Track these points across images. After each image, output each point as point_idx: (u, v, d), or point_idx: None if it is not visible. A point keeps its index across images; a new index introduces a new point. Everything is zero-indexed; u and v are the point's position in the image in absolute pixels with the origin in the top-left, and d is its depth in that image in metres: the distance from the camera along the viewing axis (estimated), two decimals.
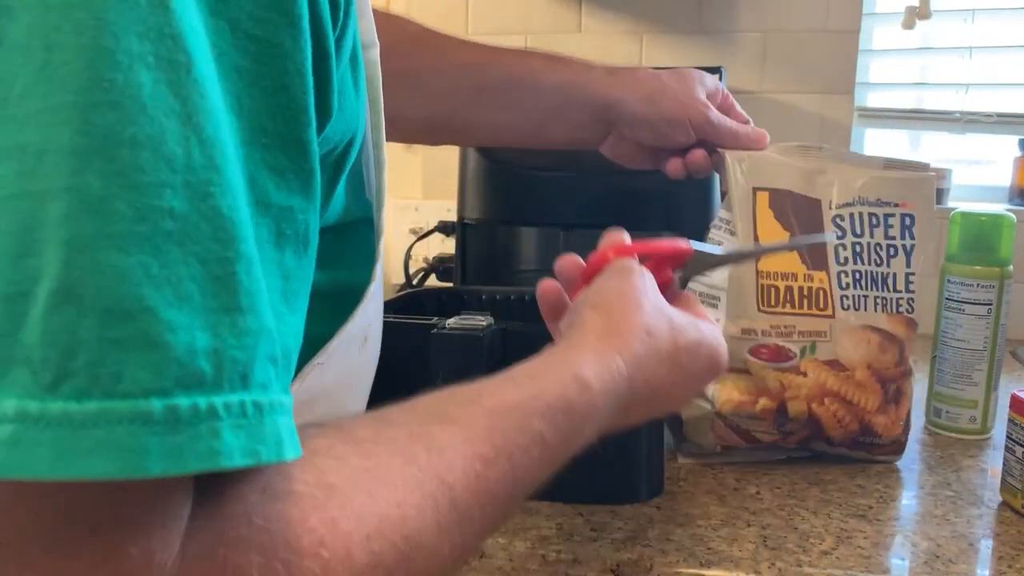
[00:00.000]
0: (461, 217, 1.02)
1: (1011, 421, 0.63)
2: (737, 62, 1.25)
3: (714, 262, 0.54)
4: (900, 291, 0.70)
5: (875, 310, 0.69)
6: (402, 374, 0.46)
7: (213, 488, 0.23)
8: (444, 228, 1.21)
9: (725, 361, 0.48)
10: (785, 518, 0.61)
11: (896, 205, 0.70)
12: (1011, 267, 0.76)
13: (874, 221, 0.70)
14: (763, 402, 0.67)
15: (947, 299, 0.78)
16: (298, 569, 0.24)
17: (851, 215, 0.69)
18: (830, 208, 0.69)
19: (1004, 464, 0.63)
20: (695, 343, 0.46)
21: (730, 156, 0.69)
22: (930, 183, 0.71)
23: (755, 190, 0.69)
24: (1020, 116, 1.22)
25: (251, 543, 0.23)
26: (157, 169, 0.20)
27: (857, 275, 0.69)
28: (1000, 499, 0.64)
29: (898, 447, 0.71)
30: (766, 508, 0.62)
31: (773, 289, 0.67)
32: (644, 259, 0.49)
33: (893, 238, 0.70)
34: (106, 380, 0.19)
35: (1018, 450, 0.62)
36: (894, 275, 0.70)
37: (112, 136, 0.19)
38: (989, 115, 1.23)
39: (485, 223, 0.98)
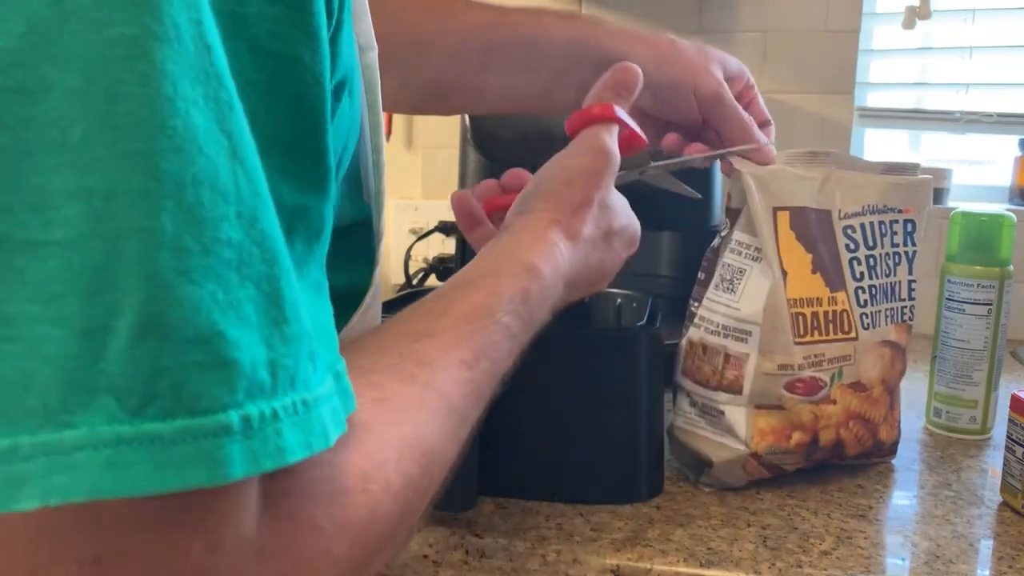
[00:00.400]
0: None
1: (1011, 421, 0.63)
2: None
3: (653, 159, 0.61)
4: (904, 299, 0.69)
5: (886, 323, 0.68)
6: None
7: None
8: (444, 228, 1.21)
9: (638, 237, 0.54)
10: (785, 518, 0.61)
11: (900, 211, 0.68)
12: (1011, 267, 0.76)
13: (883, 230, 0.68)
14: (797, 436, 0.64)
15: (947, 299, 0.78)
16: (352, 507, 0.27)
17: (861, 225, 0.67)
18: (840, 218, 0.66)
19: (1004, 464, 0.63)
20: (623, 228, 0.51)
21: (747, 172, 0.64)
22: (928, 186, 0.70)
23: (775, 210, 0.64)
24: (1020, 116, 1.22)
25: (313, 495, 0.26)
26: (215, 204, 0.22)
27: (873, 290, 0.67)
28: (1000, 499, 0.64)
29: (894, 448, 0.71)
30: (766, 508, 0.62)
31: (801, 317, 0.64)
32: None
33: (897, 245, 0.69)
34: (188, 400, 0.21)
35: (1018, 450, 0.62)
36: (899, 283, 0.69)
37: (178, 178, 0.21)
38: (989, 115, 1.23)
39: None
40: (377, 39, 0.39)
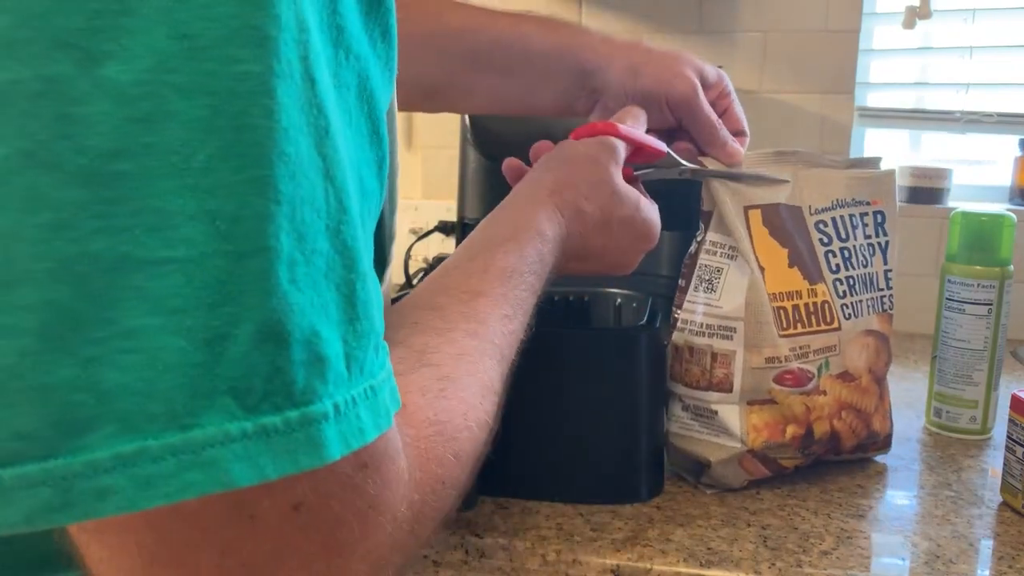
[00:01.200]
0: (461, 217, 1.02)
1: (1011, 421, 0.63)
2: (737, 62, 1.25)
3: (672, 168, 0.64)
4: (883, 289, 0.70)
5: (868, 313, 0.69)
6: None
7: (412, 417, 0.32)
8: (444, 228, 1.21)
9: (656, 236, 0.59)
10: (785, 518, 0.61)
11: (868, 203, 0.69)
12: (1011, 267, 0.76)
13: (854, 222, 0.69)
14: (791, 429, 0.64)
15: (947, 299, 0.78)
16: (462, 441, 0.35)
17: (832, 219, 0.68)
18: (811, 214, 0.67)
19: (1004, 464, 0.63)
20: (629, 217, 0.56)
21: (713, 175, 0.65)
22: (892, 178, 0.71)
23: (747, 209, 0.65)
24: (1020, 116, 1.22)
25: (435, 436, 0.33)
26: (313, 221, 0.24)
27: (851, 281, 0.68)
28: (1000, 499, 0.64)
29: (888, 441, 0.71)
30: (766, 508, 0.62)
31: (783, 310, 0.64)
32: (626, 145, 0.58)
33: (870, 237, 0.70)
34: (296, 394, 0.24)
35: (1018, 450, 0.62)
36: (876, 274, 0.70)
37: (292, 200, 0.23)
38: (989, 115, 1.23)
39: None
40: None
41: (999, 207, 1.16)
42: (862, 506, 0.63)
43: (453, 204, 1.03)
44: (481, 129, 0.97)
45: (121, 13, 0.21)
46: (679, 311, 0.67)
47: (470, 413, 0.36)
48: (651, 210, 0.59)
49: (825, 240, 0.67)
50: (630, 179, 0.60)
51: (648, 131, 0.66)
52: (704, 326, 0.65)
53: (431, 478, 0.32)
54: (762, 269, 0.64)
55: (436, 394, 0.35)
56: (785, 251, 0.65)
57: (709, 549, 0.56)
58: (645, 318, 0.66)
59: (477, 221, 1.01)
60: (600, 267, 0.58)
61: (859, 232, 0.69)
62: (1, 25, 0.20)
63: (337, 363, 0.25)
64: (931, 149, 1.36)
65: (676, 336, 0.66)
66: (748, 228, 0.65)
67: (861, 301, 0.69)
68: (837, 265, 0.68)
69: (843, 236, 0.68)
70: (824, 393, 0.66)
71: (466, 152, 0.99)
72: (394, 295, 0.74)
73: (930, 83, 1.32)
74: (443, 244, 1.28)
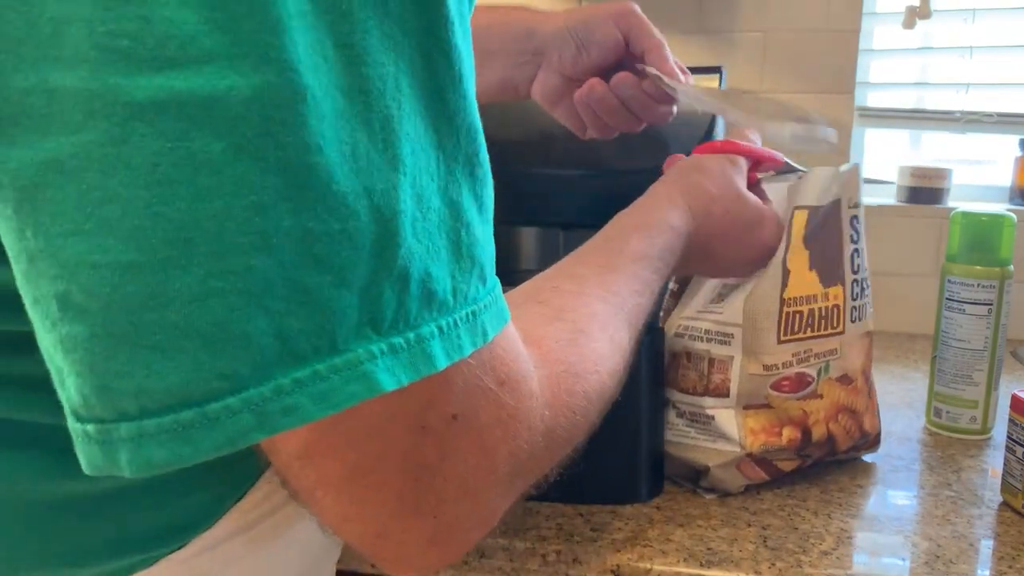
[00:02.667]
0: None
1: (1011, 421, 0.63)
2: (737, 62, 1.25)
3: (791, 173, 0.67)
4: (869, 289, 0.70)
5: (865, 316, 0.69)
6: None
7: (549, 356, 0.39)
8: None
9: (774, 248, 0.63)
10: (785, 518, 0.61)
11: (856, 206, 0.69)
12: (1012, 267, 0.76)
13: (859, 221, 0.69)
14: (788, 432, 0.64)
15: (947, 299, 0.78)
16: (590, 382, 0.41)
17: (852, 217, 0.67)
18: (849, 207, 0.66)
19: (1005, 464, 0.63)
20: (754, 221, 0.61)
21: (770, 177, 0.65)
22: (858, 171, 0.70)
23: (795, 210, 0.64)
24: (1021, 116, 1.22)
25: (566, 371, 0.39)
26: (428, 184, 0.29)
27: (864, 284, 0.68)
28: (1000, 499, 0.64)
29: (877, 439, 0.71)
30: (766, 508, 0.62)
31: (798, 315, 0.64)
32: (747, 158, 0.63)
33: (862, 240, 0.70)
34: (413, 320, 0.29)
35: (1018, 450, 0.62)
36: (869, 275, 0.70)
37: (414, 170, 0.29)
38: (990, 115, 1.22)
39: None
40: None
41: (999, 207, 1.16)
42: (862, 506, 0.63)
43: None
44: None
45: (302, 29, 0.25)
46: (664, 316, 0.67)
47: (600, 361, 0.42)
48: (774, 221, 0.63)
49: (854, 237, 0.67)
50: (754, 185, 0.64)
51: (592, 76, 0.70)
52: (703, 331, 0.65)
53: (562, 404, 0.38)
54: (788, 272, 0.63)
55: (568, 342, 0.41)
56: (807, 253, 0.65)
57: (709, 549, 0.56)
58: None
59: None
60: (720, 269, 0.64)
61: (863, 231, 0.69)
62: (222, 42, 0.24)
63: (444, 295, 0.30)
64: (931, 149, 1.36)
65: (673, 342, 0.66)
66: (790, 230, 0.64)
67: (864, 304, 0.69)
68: (857, 266, 0.67)
69: (859, 235, 0.68)
70: (821, 397, 0.66)
71: None
72: None
73: (930, 83, 1.32)
74: None
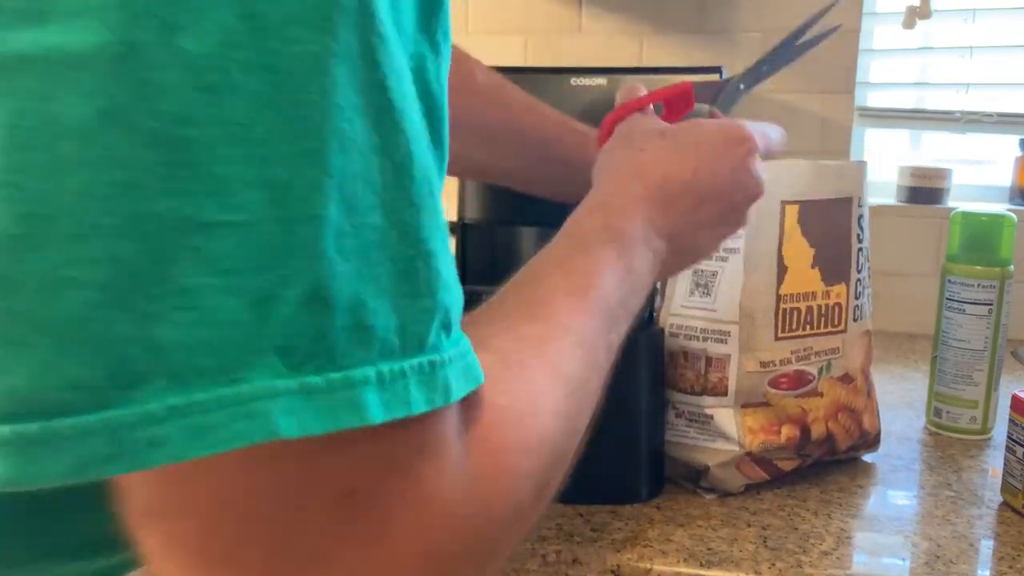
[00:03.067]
0: (461, 217, 1.02)
1: (1012, 421, 0.63)
2: (737, 62, 1.25)
3: (722, 88, 0.60)
4: (869, 287, 0.70)
5: (866, 315, 0.69)
6: None
7: (468, 401, 0.31)
8: None
9: (742, 135, 0.51)
10: (785, 518, 0.61)
11: (862, 205, 0.69)
12: (1012, 267, 0.76)
13: (865, 220, 0.68)
14: (786, 430, 0.63)
15: (948, 299, 0.77)
16: (528, 428, 0.33)
17: (860, 216, 0.67)
18: (859, 205, 0.65)
19: (1005, 464, 0.63)
20: (701, 135, 0.50)
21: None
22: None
23: (784, 204, 0.63)
24: (1021, 116, 1.22)
25: (498, 422, 0.31)
26: (366, 196, 0.25)
27: (865, 282, 0.68)
28: (1000, 499, 0.64)
29: (877, 439, 0.71)
30: (766, 508, 0.62)
31: (795, 312, 0.64)
32: (657, 108, 0.55)
33: (866, 236, 0.69)
34: (337, 357, 0.24)
35: (1019, 450, 0.62)
36: (869, 274, 0.70)
37: (344, 174, 0.24)
38: (990, 115, 1.22)
39: (485, 223, 0.98)
40: None
41: (999, 207, 1.16)
42: (862, 506, 0.63)
43: (453, 204, 1.03)
44: None
45: None
46: (668, 315, 0.67)
47: (539, 397, 0.35)
48: (730, 139, 0.51)
49: (861, 236, 0.66)
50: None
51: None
52: (699, 330, 0.64)
53: (495, 468, 0.31)
54: (784, 269, 0.63)
55: (495, 379, 0.33)
56: (813, 251, 0.64)
57: (709, 549, 0.56)
58: (645, 318, 0.66)
59: (477, 221, 1.02)
60: (718, 197, 0.50)
61: (868, 230, 0.69)
62: None
63: (386, 333, 0.26)
64: (931, 149, 1.36)
65: (670, 342, 0.66)
66: (781, 224, 0.63)
67: (865, 304, 0.69)
68: (861, 264, 0.67)
69: (864, 233, 0.67)
70: (821, 395, 0.65)
71: None
72: None
73: (930, 83, 1.32)
74: None
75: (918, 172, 1.21)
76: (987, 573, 0.54)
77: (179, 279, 0.22)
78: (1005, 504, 0.63)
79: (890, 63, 1.30)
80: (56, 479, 0.22)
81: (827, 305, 0.65)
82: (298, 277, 0.24)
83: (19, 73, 0.21)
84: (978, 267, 0.76)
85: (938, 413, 0.79)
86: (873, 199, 1.24)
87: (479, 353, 0.33)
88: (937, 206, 1.20)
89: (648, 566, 0.54)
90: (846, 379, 0.67)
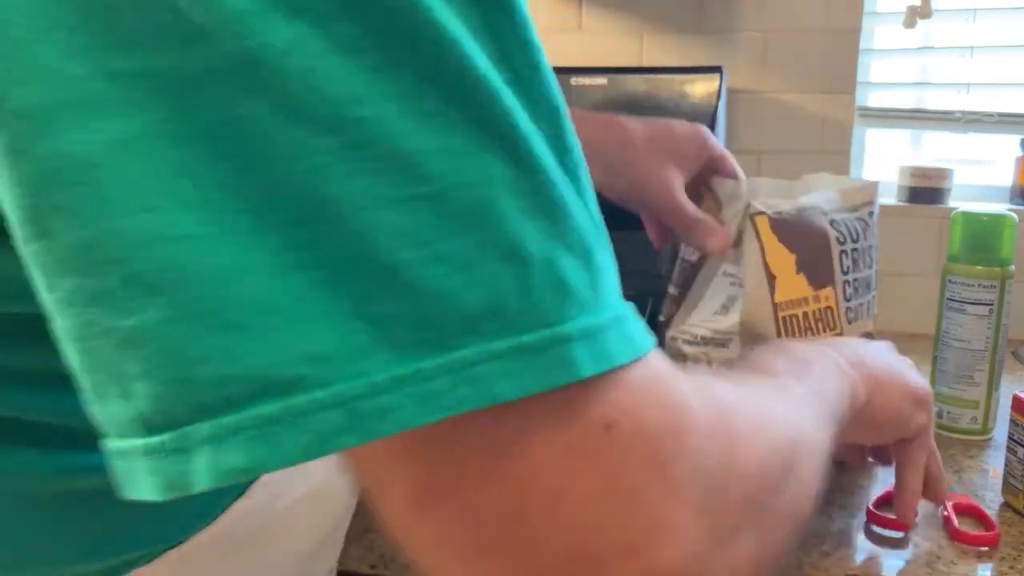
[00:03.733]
0: None
1: (1012, 422, 0.62)
2: (737, 62, 1.25)
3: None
4: (874, 291, 0.70)
5: (865, 316, 0.68)
6: None
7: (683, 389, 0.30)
8: None
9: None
10: None
11: (867, 204, 0.69)
12: (1012, 267, 0.76)
13: (861, 223, 0.68)
14: None
15: (948, 299, 0.77)
16: (741, 463, 0.31)
17: (844, 220, 0.67)
18: (825, 212, 0.66)
19: (1006, 465, 0.63)
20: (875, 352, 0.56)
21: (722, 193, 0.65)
22: (876, 187, 0.70)
23: (753, 217, 0.64)
24: (1021, 116, 1.22)
25: (716, 437, 0.30)
26: (536, 156, 0.25)
27: (857, 284, 0.68)
28: (1001, 499, 0.64)
29: None
30: None
31: (794, 319, 0.64)
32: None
33: (869, 239, 0.69)
34: (548, 314, 0.25)
35: (1019, 451, 0.61)
36: (872, 276, 0.69)
37: (513, 132, 0.25)
38: (990, 115, 1.22)
39: None
40: None
41: (1000, 207, 1.16)
42: (862, 506, 0.63)
43: None
44: None
45: None
46: (665, 319, 0.67)
47: (757, 433, 0.33)
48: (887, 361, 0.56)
49: (840, 239, 0.66)
50: None
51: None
52: (699, 338, 0.65)
53: (730, 433, 0.30)
54: (773, 278, 0.63)
55: (720, 408, 0.32)
56: (793, 256, 0.64)
57: None
58: (645, 318, 0.66)
59: None
60: (891, 382, 0.53)
61: (868, 232, 0.68)
62: None
63: (581, 289, 0.26)
64: (932, 149, 1.36)
65: (667, 347, 0.66)
66: (758, 235, 0.63)
67: (862, 305, 0.68)
68: (848, 267, 0.67)
69: (855, 236, 0.68)
70: None
71: None
72: None
73: (931, 83, 1.31)
74: None
75: (919, 172, 1.21)
76: (987, 574, 0.54)
77: (381, 257, 0.23)
78: (1006, 504, 0.63)
79: (890, 63, 1.30)
80: (297, 457, 0.23)
81: (819, 309, 0.65)
82: (493, 238, 0.24)
83: (206, 86, 0.22)
84: (979, 267, 0.76)
85: (939, 413, 0.79)
86: None
87: (709, 380, 0.33)
88: (938, 206, 1.19)
89: None
90: None
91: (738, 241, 0.65)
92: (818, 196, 0.66)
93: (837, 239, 0.66)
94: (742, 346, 0.63)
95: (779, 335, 0.63)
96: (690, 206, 0.65)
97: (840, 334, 0.66)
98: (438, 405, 0.23)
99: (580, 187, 0.27)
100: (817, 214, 0.66)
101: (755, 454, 0.31)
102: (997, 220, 0.76)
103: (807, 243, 0.65)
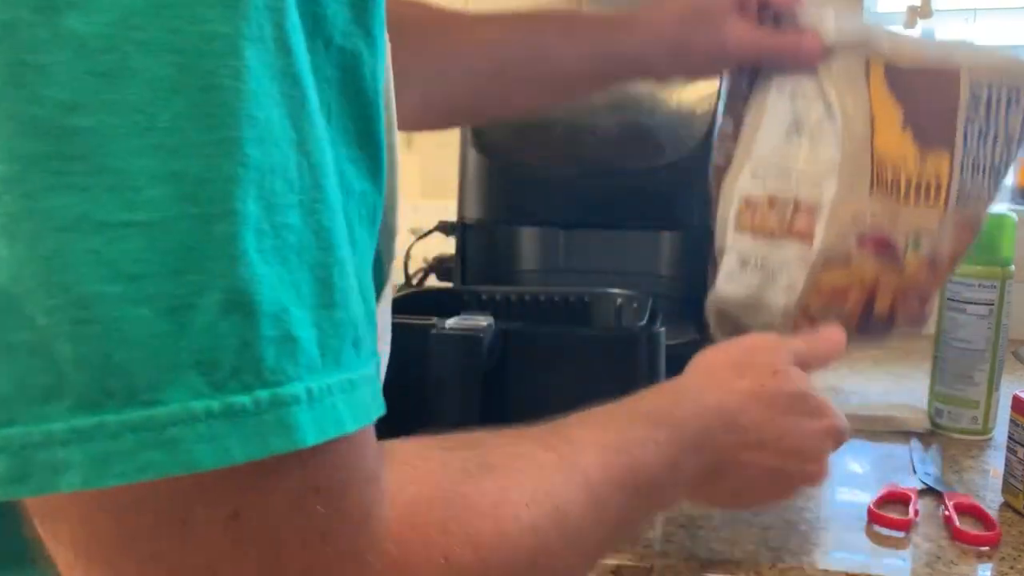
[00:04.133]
0: (461, 217, 1.01)
1: (1012, 422, 0.62)
2: None
3: None
4: (1000, 176, 0.61)
5: (979, 205, 0.60)
6: (401, 375, 0.46)
7: (404, 460, 0.29)
8: (444, 228, 1.21)
9: (828, 418, 0.49)
10: (786, 519, 0.60)
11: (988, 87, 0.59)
12: (1013, 267, 0.76)
13: (1012, 100, 0.58)
14: (854, 296, 0.57)
15: (949, 299, 0.77)
16: (479, 524, 0.29)
17: (990, 87, 0.58)
18: (970, 71, 0.57)
19: (1006, 464, 0.63)
20: (798, 394, 0.48)
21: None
22: None
23: (869, 63, 0.56)
24: None
25: (446, 506, 0.29)
26: (285, 193, 0.23)
27: (981, 164, 0.59)
28: (1002, 499, 0.64)
29: (925, 315, 0.63)
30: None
31: (883, 172, 0.57)
32: None
33: (1012, 125, 0.60)
34: (266, 372, 0.22)
35: (1019, 450, 0.61)
36: (1003, 169, 0.61)
37: (262, 166, 0.22)
38: None
39: (485, 223, 0.98)
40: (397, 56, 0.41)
41: (1000, 207, 1.16)
42: (863, 507, 0.63)
43: (453, 204, 1.03)
44: (481, 129, 0.97)
45: None
46: (743, 161, 0.61)
47: (506, 506, 0.31)
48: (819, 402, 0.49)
49: (973, 103, 0.58)
50: None
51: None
52: (791, 172, 0.59)
53: (426, 545, 0.28)
54: (873, 118, 0.58)
55: (462, 472, 0.31)
56: (901, 108, 0.58)
57: (709, 549, 0.56)
58: (645, 318, 0.66)
59: (477, 222, 1.02)
60: (784, 456, 0.47)
61: (1014, 114, 0.59)
62: None
63: (310, 347, 0.23)
64: None
65: (750, 186, 0.60)
66: (868, 88, 0.58)
67: (980, 189, 0.59)
68: (976, 137, 0.58)
69: (995, 109, 0.58)
70: (902, 271, 0.58)
71: (466, 152, 0.99)
72: (393, 295, 0.74)
73: None
74: (443, 244, 1.27)
75: None
76: (987, 574, 0.54)
77: (76, 287, 0.20)
78: (1006, 504, 0.63)
79: None
80: None
81: (922, 174, 0.58)
82: (217, 281, 0.21)
83: None
84: (979, 267, 0.76)
85: (939, 413, 0.79)
86: None
87: (459, 451, 0.31)
88: None
89: (648, 566, 0.54)
90: (933, 262, 0.59)
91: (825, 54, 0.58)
92: (962, 52, 0.59)
93: (970, 102, 0.58)
94: (838, 182, 0.57)
95: (873, 179, 0.57)
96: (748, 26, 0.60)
97: (943, 211, 0.58)
98: (117, 469, 0.20)
99: (342, 233, 0.25)
100: (956, 78, 0.58)
101: (440, 569, 0.29)
102: (997, 220, 0.76)
103: (927, 98, 0.58)
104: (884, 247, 0.57)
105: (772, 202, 0.59)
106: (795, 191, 0.58)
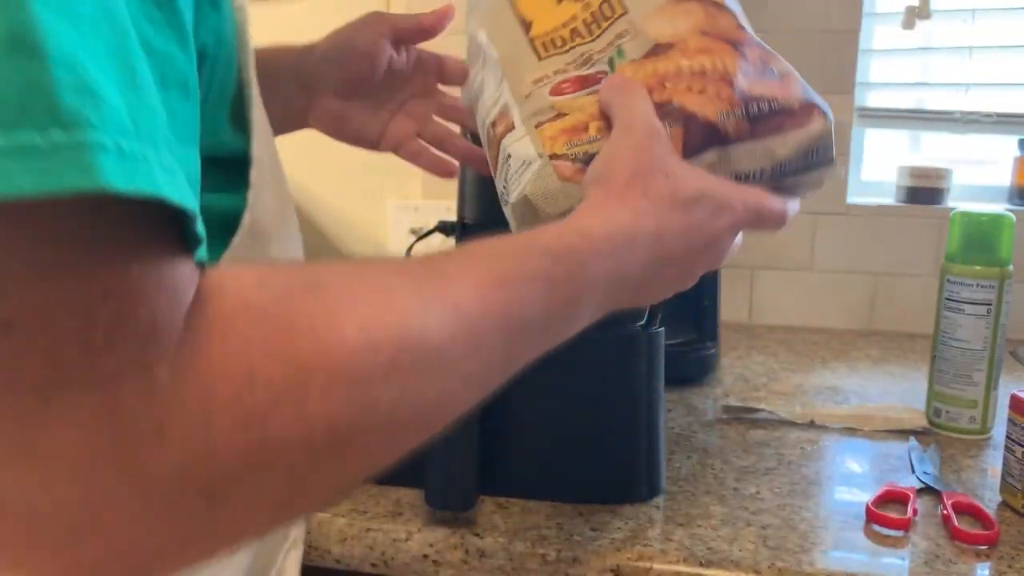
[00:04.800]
0: (461, 217, 1.01)
1: (1011, 421, 0.63)
2: None
3: None
4: None
5: None
6: None
7: (213, 280, 0.26)
8: (444, 228, 1.21)
9: (729, 203, 0.48)
10: (785, 518, 0.61)
11: None
12: (1011, 267, 0.76)
13: None
14: (595, 125, 0.53)
15: (947, 299, 0.78)
16: (292, 350, 0.27)
17: None
18: None
19: (1004, 464, 0.63)
20: (699, 191, 0.47)
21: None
22: None
23: None
24: (1020, 116, 1.22)
25: (255, 321, 0.26)
26: None
27: None
28: (1000, 499, 0.64)
29: (810, 110, 0.62)
30: (766, 508, 0.62)
31: (559, 39, 0.57)
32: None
33: None
34: (63, 114, 0.21)
35: (1018, 450, 0.62)
36: None
37: None
38: (989, 115, 1.23)
39: (485, 223, 0.98)
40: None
41: (999, 207, 1.16)
42: (862, 506, 0.63)
43: (453, 204, 1.03)
44: None
45: None
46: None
47: (330, 326, 0.28)
48: (710, 182, 0.49)
49: None
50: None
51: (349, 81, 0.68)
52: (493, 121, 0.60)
53: (225, 362, 0.25)
54: (528, 24, 0.58)
55: (279, 291, 0.28)
56: None
57: (709, 549, 0.56)
58: (645, 318, 0.66)
59: (477, 222, 1.02)
60: (700, 254, 0.47)
61: None
62: None
63: (117, 108, 0.22)
64: (931, 149, 1.36)
65: (488, 116, 0.61)
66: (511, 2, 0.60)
67: None
68: None
69: None
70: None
71: None
72: None
73: (930, 83, 1.32)
74: (443, 244, 1.28)
75: (917, 172, 1.21)
76: (987, 573, 0.54)
77: None
78: (1004, 504, 0.63)
79: (890, 63, 1.30)
80: None
81: (592, 9, 0.58)
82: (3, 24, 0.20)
83: None
84: (977, 267, 0.76)
85: (937, 413, 0.79)
86: (873, 199, 1.24)
87: (279, 275, 0.29)
88: (937, 206, 1.20)
89: (648, 566, 0.54)
90: (660, 49, 0.56)
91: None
92: None
93: None
94: (507, 84, 0.58)
95: (537, 53, 0.57)
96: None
97: (625, 13, 0.57)
98: None
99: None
100: None
101: (301, 353, 0.27)
102: (996, 220, 0.76)
103: None
104: (583, 83, 0.55)
105: (499, 119, 0.59)
106: (499, 106, 0.59)
